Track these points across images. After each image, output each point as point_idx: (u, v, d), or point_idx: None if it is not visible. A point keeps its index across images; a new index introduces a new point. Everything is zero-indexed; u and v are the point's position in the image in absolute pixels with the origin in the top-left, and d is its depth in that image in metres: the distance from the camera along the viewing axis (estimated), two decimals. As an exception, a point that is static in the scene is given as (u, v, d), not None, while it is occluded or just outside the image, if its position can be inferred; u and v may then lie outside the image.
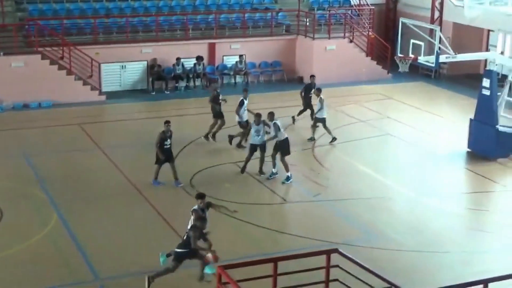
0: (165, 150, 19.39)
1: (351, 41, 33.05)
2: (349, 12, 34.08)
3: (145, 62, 30.66)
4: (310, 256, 12.25)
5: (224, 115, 23.73)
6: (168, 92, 30.15)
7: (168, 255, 14.68)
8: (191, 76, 30.79)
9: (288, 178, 20.15)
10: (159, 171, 19.58)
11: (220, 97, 23.93)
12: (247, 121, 22.93)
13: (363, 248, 16.23)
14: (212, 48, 31.56)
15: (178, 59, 30.37)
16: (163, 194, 19.27)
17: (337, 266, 12.17)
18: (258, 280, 11.70)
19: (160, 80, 30.43)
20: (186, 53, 30.88)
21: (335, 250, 12.24)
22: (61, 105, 27.67)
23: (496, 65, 22.64)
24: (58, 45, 28.91)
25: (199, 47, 31.29)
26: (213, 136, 23.63)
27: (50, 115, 26.71)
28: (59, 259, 15.64)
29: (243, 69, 31.54)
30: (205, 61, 31.22)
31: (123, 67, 30.37)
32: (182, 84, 30.76)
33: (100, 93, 29.07)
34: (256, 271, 11.71)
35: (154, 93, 29.93)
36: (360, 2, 35.16)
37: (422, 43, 23.14)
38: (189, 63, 30.83)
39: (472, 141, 22.83)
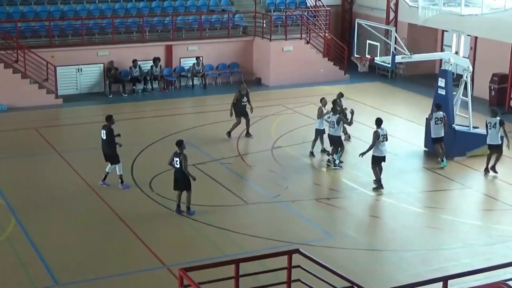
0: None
1: (308, 42, 33.21)
2: (305, 13, 34.24)
3: (102, 65, 30.42)
4: (271, 257, 12.24)
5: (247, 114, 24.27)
6: (126, 95, 29.95)
7: None
8: (148, 78, 30.64)
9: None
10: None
11: (244, 99, 24.24)
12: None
13: (324, 248, 16.32)
14: (169, 50, 31.45)
15: (135, 61, 30.20)
16: (123, 198, 19.14)
17: (298, 266, 12.18)
18: (220, 282, 11.66)
19: (117, 83, 30.23)
20: (143, 55, 30.74)
21: (296, 251, 12.25)
22: (17, 109, 27.34)
23: (451, 65, 22.91)
24: (12, 48, 28.57)
25: (156, 49, 31.16)
26: (229, 134, 24.26)
27: (5, 119, 26.35)
28: (18, 266, 15.42)
29: (201, 71, 31.48)
30: (163, 63, 31.10)
31: (79, 70, 30.10)
32: (140, 86, 30.59)
33: (57, 96, 28.78)
34: (218, 273, 11.68)
35: (111, 96, 29.72)
36: (316, 4, 35.34)
37: (378, 44, 23.35)
38: (146, 65, 30.68)
39: (429, 140, 23.07)
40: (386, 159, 19.97)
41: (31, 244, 16.32)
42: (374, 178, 19.94)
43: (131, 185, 19.92)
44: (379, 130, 19.64)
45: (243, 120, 24.14)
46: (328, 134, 21.63)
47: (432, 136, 21.80)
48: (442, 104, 21.86)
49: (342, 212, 18.68)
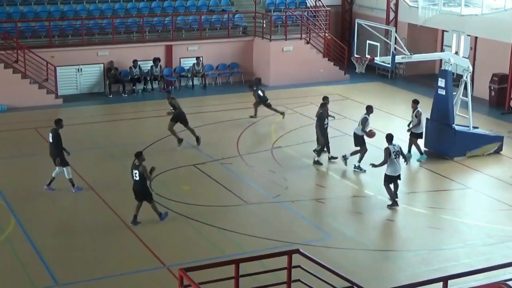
0: None
1: (307, 42, 33.20)
2: (305, 13, 34.24)
3: (102, 65, 30.41)
4: (271, 257, 12.24)
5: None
6: (126, 95, 29.94)
7: None
8: (148, 78, 30.64)
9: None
10: None
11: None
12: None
13: (324, 248, 16.32)
14: (169, 51, 31.45)
15: (135, 61, 30.19)
16: (123, 198, 19.12)
17: (298, 266, 12.18)
18: (220, 282, 11.67)
19: (117, 83, 30.22)
20: (143, 55, 30.74)
21: (296, 251, 12.25)
22: (17, 109, 27.34)
23: (451, 65, 22.91)
24: (12, 48, 28.56)
25: (156, 50, 31.16)
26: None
27: (5, 119, 26.34)
28: (18, 265, 15.43)
29: (201, 71, 31.48)
30: (163, 63, 31.10)
31: (79, 70, 30.10)
32: (140, 86, 30.59)
33: (57, 96, 28.77)
34: (218, 273, 11.68)
35: (111, 96, 29.71)
36: (316, 4, 35.34)
37: (378, 44, 23.33)
38: (146, 65, 30.68)
39: (429, 140, 23.08)
40: (401, 177, 18.88)
41: (31, 244, 16.32)
42: (388, 197, 18.75)
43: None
44: (390, 146, 18.51)
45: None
46: (354, 132, 21.68)
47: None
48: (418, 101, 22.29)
49: (342, 212, 18.68)
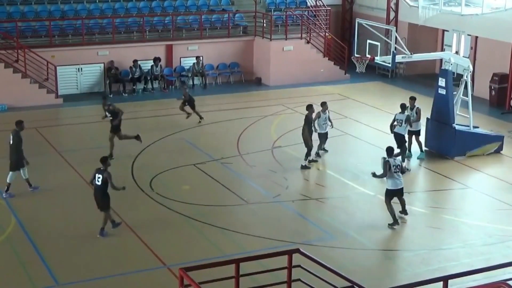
0: None
1: (308, 42, 33.20)
2: (306, 13, 34.24)
3: (102, 65, 30.42)
4: (271, 256, 12.24)
5: None
6: (126, 95, 29.94)
7: None
8: (148, 78, 30.64)
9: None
10: None
11: None
12: None
13: (324, 248, 16.33)
14: (169, 50, 31.45)
15: (135, 61, 30.19)
16: (123, 198, 19.12)
17: (299, 266, 12.19)
18: (220, 282, 11.67)
19: (118, 82, 30.22)
20: (143, 55, 30.74)
21: (297, 250, 12.26)
22: (17, 109, 27.33)
23: (451, 64, 22.90)
24: (12, 48, 28.57)
25: (156, 49, 31.16)
26: None
27: (5, 119, 26.23)
28: (18, 265, 15.43)
29: (201, 70, 31.49)
30: (163, 63, 31.10)
31: (79, 69, 30.10)
32: (140, 86, 30.60)
33: (57, 96, 28.79)
34: (218, 273, 11.68)
35: (111, 95, 29.70)
36: (316, 3, 35.35)
37: (378, 44, 23.35)
38: (147, 65, 30.68)
39: (429, 140, 23.08)
40: (403, 192, 17.82)
41: (31, 243, 16.33)
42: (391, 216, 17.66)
43: (132, 185, 19.89)
44: (391, 160, 17.46)
45: None
46: (395, 132, 21.73)
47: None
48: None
49: (342, 212, 18.68)
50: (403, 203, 18.00)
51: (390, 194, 17.59)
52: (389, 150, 17.76)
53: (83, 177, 20.25)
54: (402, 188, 17.66)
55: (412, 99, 22.44)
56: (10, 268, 15.31)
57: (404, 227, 17.79)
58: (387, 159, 17.49)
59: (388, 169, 17.32)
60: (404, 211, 18.09)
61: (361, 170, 21.33)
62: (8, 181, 19.09)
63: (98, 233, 16.82)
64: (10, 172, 19.10)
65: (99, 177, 16.65)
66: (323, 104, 22.29)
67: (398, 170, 17.42)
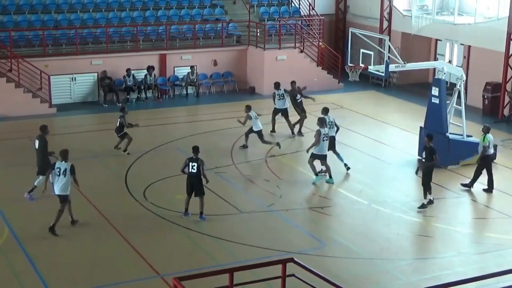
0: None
1: (301, 51, 33.27)
2: (299, 22, 34.30)
3: (96, 74, 30.41)
4: (265, 266, 12.24)
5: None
6: (120, 104, 29.86)
7: None
8: (142, 87, 30.64)
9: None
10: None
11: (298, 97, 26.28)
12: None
13: (318, 257, 16.32)
14: (163, 59, 31.47)
15: (128, 70, 30.17)
16: (117, 207, 19.12)
17: (292, 275, 12.18)
18: (214, 291, 11.66)
19: (112, 92, 30.21)
20: (136, 64, 30.74)
21: (290, 260, 12.24)
22: (10, 118, 27.29)
23: (444, 73, 22.98)
24: (6, 57, 28.56)
25: (150, 59, 31.17)
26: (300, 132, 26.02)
27: (-1, 128, 26.33)
28: (11, 275, 15.38)
29: (195, 80, 31.50)
30: (156, 72, 31.11)
31: (73, 79, 30.09)
32: (133, 95, 30.59)
33: (50, 105, 28.76)
34: (212, 282, 11.66)
35: (106, 105, 29.66)
36: (310, 13, 35.43)
37: (371, 53, 23.39)
38: (140, 75, 30.68)
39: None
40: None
41: (24, 253, 16.28)
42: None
43: (126, 193, 19.89)
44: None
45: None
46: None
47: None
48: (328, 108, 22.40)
49: (336, 221, 18.69)
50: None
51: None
52: (324, 110, 21.55)
53: (76, 186, 20.21)
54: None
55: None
56: (3, 278, 15.25)
57: (397, 236, 17.78)
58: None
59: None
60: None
61: (355, 179, 21.33)
62: (35, 184, 19.19)
63: (199, 217, 18.09)
64: (40, 176, 19.16)
65: (193, 165, 17.87)
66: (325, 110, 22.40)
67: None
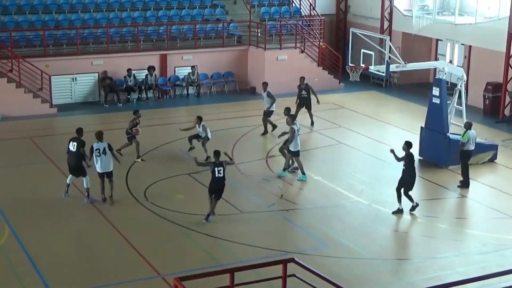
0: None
1: (302, 51, 33.26)
2: (300, 22, 34.30)
3: (96, 74, 30.41)
4: (266, 266, 12.24)
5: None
6: (121, 105, 29.91)
7: None
8: (143, 87, 30.64)
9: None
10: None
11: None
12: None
13: (319, 257, 16.31)
14: (163, 60, 31.47)
15: (129, 70, 30.17)
16: (118, 207, 19.12)
17: (293, 275, 12.18)
18: (215, 291, 11.66)
19: (112, 92, 30.20)
20: (137, 64, 30.74)
21: (291, 260, 12.24)
22: (11, 118, 27.29)
23: (445, 74, 22.98)
24: (7, 57, 28.56)
25: (151, 59, 31.17)
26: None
27: (0, 128, 26.31)
28: (12, 276, 15.37)
29: (196, 80, 31.50)
30: (157, 72, 31.11)
31: (74, 79, 30.09)
32: (134, 96, 30.59)
33: (51, 105, 28.76)
34: (213, 282, 11.66)
35: (107, 105, 29.66)
36: (310, 13, 35.42)
37: (372, 53, 23.41)
38: (141, 75, 30.69)
39: (424, 149, 23.11)
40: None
41: (26, 253, 16.28)
42: None
43: (127, 194, 19.90)
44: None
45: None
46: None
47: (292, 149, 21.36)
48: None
49: (336, 221, 18.68)
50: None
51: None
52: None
53: (77, 187, 20.22)
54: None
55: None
56: (4, 278, 15.25)
57: (398, 236, 17.77)
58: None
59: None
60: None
61: (356, 179, 21.33)
62: (85, 186, 19.28)
63: (206, 218, 18.12)
64: (85, 178, 19.25)
65: (220, 170, 18.07)
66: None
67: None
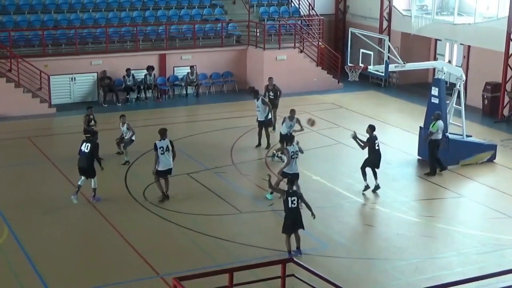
0: None
1: (301, 51, 33.26)
2: (299, 22, 34.30)
3: (95, 74, 30.41)
4: (265, 266, 12.26)
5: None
6: (119, 104, 29.90)
7: None
8: (142, 87, 30.63)
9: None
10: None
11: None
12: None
13: (317, 257, 16.32)
14: (162, 59, 31.47)
15: (128, 70, 30.16)
16: (116, 207, 19.11)
17: (292, 275, 12.19)
18: (214, 291, 11.67)
19: (111, 92, 30.19)
20: (136, 64, 30.73)
21: (290, 260, 12.27)
22: (10, 118, 27.28)
23: (444, 73, 22.98)
24: (6, 57, 28.55)
25: (150, 59, 31.17)
26: None
27: (-2, 128, 26.33)
28: (11, 276, 15.37)
29: (195, 80, 31.50)
30: (156, 72, 31.10)
31: (72, 79, 30.08)
32: (133, 95, 30.58)
33: (50, 105, 28.76)
34: (212, 282, 11.67)
35: (106, 105, 29.64)
36: (309, 13, 35.43)
37: (371, 53, 23.38)
38: (140, 75, 30.68)
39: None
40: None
41: (24, 253, 16.27)
42: None
43: (126, 194, 19.90)
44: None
45: None
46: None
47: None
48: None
49: (335, 221, 18.67)
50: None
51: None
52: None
53: (76, 186, 20.22)
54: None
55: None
56: (3, 278, 15.24)
57: (397, 236, 17.78)
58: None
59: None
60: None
61: (354, 178, 21.33)
62: (93, 186, 19.25)
63: (298, 252, 16.31)
64: (94, 179, 19.22)
65: (293, 200, 16.28)
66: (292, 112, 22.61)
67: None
